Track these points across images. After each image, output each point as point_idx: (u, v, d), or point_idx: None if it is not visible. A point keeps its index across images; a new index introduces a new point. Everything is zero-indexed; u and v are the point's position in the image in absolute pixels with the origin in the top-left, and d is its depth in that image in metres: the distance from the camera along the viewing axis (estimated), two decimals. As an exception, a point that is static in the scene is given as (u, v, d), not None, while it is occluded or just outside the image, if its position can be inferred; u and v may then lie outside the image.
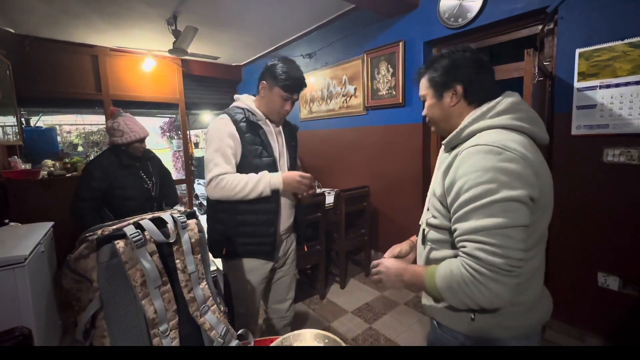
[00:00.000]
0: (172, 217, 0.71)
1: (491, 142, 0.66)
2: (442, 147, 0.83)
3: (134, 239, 0.60)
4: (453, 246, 0.71)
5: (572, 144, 1.77)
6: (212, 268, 0.84)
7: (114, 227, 0.62)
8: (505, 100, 0.73)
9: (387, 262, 0.84)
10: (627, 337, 1.66)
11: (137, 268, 0.61)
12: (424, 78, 0.83)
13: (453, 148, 0.77)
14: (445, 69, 0.77)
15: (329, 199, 2.59)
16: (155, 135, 9.10)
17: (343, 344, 0.81)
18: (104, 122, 3.94)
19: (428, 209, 0.81)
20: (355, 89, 3.21)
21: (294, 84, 1.26)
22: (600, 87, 1.68)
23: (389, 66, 2.82)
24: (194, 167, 8.32)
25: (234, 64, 5.09)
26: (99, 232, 0.61)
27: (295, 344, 0.83)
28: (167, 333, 0.62)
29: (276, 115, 1.31)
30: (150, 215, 0.68)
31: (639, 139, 1.56)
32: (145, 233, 0.64)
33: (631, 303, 1.63)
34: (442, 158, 0.80)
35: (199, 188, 7.28)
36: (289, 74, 1.24)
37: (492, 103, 0.73)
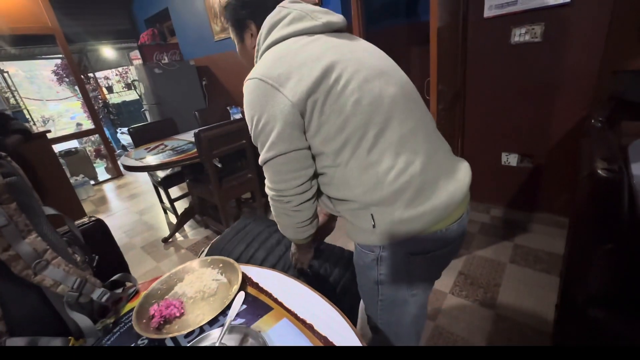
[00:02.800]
0: (-60, 160, 0.50)
1: (247, 77, 0.65)
2: None
3: None
4: None
5: (484, 27, 1.72)
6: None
7: None
8: (268, 19, 0.69)
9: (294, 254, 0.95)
10: (521, 201, 1.93)
11: None
12: (230, 30, 0.80)
13: None
14: (232, 14, 0.75)
15: (254, 125, 2.39)
16: (51, 84, 7.40)
17: (236, 264, 0.75)
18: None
19: None
20: (267, -8, 2.73)
21: None
22: (512, -44, 1.55)
23: (300, -44, 2.37)
24: (114, 116, 7.23)
25: (116, -27, 4.00)
26: None
27: (186, 276, 0.76)
28: (-26, 304, 0.49)
29: None
30: None
31: (542, 13, 1.54)
32: None
33: (526, 174, 1.84)
34: None
35: (125, 137, 6.49)
36: None
37: (260, 31, 0.70)
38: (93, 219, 0.85)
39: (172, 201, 2.63)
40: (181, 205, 2.78)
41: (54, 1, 3.54)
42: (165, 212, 2.92)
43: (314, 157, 0.67)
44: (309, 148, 0.65)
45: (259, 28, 0.71)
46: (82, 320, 0.58)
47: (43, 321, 0.58)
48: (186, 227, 2.60)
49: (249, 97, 0.64)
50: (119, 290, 0.73)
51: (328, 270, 1.03)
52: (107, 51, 6.59)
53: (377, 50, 0.72)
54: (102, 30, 4.49)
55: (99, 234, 0.85)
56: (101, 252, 0.77)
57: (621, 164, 0.65)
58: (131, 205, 3.33)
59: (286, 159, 0.63)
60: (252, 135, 0.67)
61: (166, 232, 2.54)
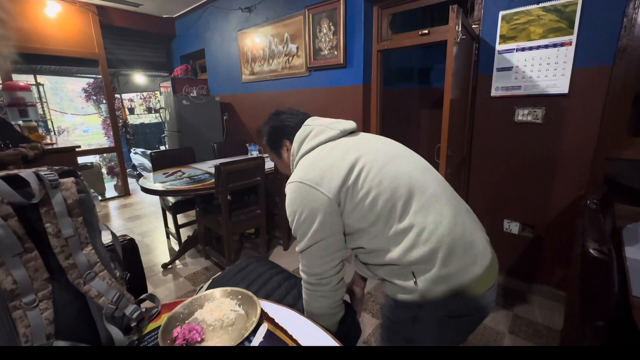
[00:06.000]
0: (37, 175, 0.60)
1: (288, 182, 0.80)
2: None
3: (-27, 201, 0.50)
4: None
5: (491, 104, 1.91)
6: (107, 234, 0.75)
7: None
8: (297, 136, 0.88)
9: None
10: (522, 271, 1.96)
11: (-17, 234, 0.51)
12: (268, 150, 1.00)
13: None
14: (269, 136, 0.96)
15: (269, 165, 2.52)
16: (78, 100, 7.87)
17: (255, 298, 0.81)
18: None
19: None
20: (297, 48, 3.06)
21: None
22: (517, 50, 1.79)
23: (331, 24, 2.70)
24: (130, 136, 7.53)
25: (164, 16, 4.49)
26: None
27: (206, 304, 0.81)
28: (35, 304, 0.55)
29: None
30: (2, 173, 0.57)
31: (543, 100, 1.73)
32: (-6, 194, 0.54)
33: (527, 243, 1.91)
34: None
35: (137, 158, 6.68)
36: None
37: (292, 146, 0.89)
38: (127, 237, 0.92)
39: (178, 227, 2.68)
40: (183, 233, 2.82)
41: (105, 32, 3.95)
42: (168, 237, 2.94)
43: (345, 240, 0.79)
44: (344, 233, 0.78)
45: (291, 142, 0.91)
46: (116, 333, 0.63)
47: (80, 329, 0.63)
48: (186, 255, 2.61)
49: (291, 196, 0.78)
50: (143, 310, 0.78)
51: None
52: (139, 77, 7.07)
53: (388, 139, 0.89)
54: (141, 60, 4.89)
55: (130, 252, 0.92)
56: (129, 270, 0.83)
57: (610, 247, 0.73)
58: (134, 226, 3.37)
59: (326, 243, 0.76)
60: (292, 227, 0.79)
61: (166, 257, 2.55)
